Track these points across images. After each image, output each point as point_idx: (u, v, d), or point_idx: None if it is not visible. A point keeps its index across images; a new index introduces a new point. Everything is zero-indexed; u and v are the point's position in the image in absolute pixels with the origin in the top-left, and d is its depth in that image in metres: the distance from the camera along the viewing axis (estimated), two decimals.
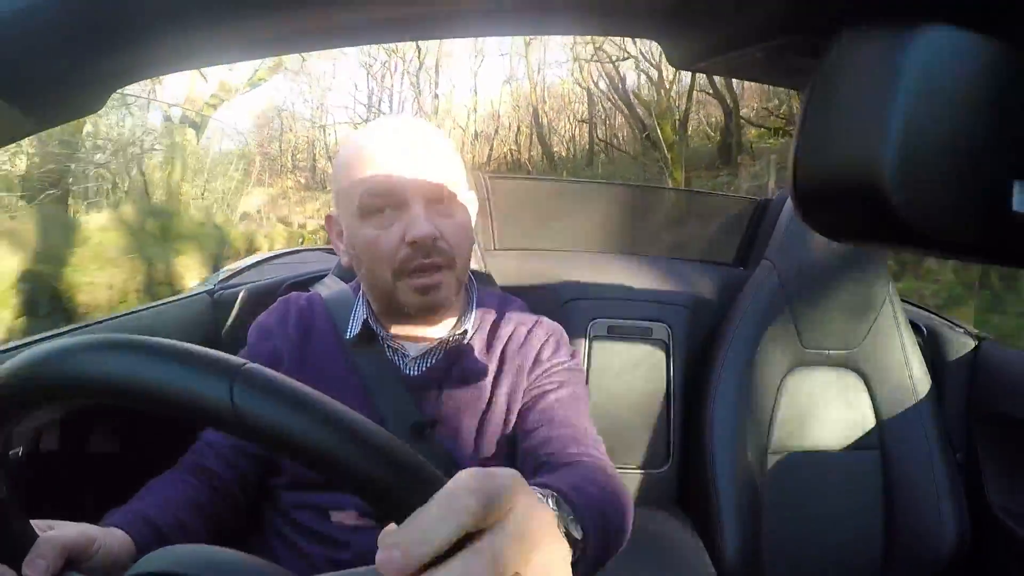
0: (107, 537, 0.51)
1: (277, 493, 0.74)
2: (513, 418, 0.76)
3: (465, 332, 0.77)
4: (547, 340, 0.80)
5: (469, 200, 0.77)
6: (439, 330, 0.78)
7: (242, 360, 0.31)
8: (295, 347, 0.77)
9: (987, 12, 0.24)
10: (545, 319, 0.84)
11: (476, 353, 0.78)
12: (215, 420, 0.30)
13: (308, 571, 0.71)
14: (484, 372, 0.77)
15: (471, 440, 0.74)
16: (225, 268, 1.42)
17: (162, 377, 0.30)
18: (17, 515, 0.42)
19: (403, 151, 0.69)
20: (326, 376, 0.75)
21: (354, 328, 0.76)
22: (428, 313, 0.74)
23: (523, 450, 0.73)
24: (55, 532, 0.46)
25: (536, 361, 0.78)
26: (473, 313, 0.79)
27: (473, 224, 0.81)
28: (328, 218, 0.78)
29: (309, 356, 0.77)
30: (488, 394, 0.76)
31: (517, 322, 0.81)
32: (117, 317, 1.02)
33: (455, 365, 0.77)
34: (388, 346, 0.77)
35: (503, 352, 0.78)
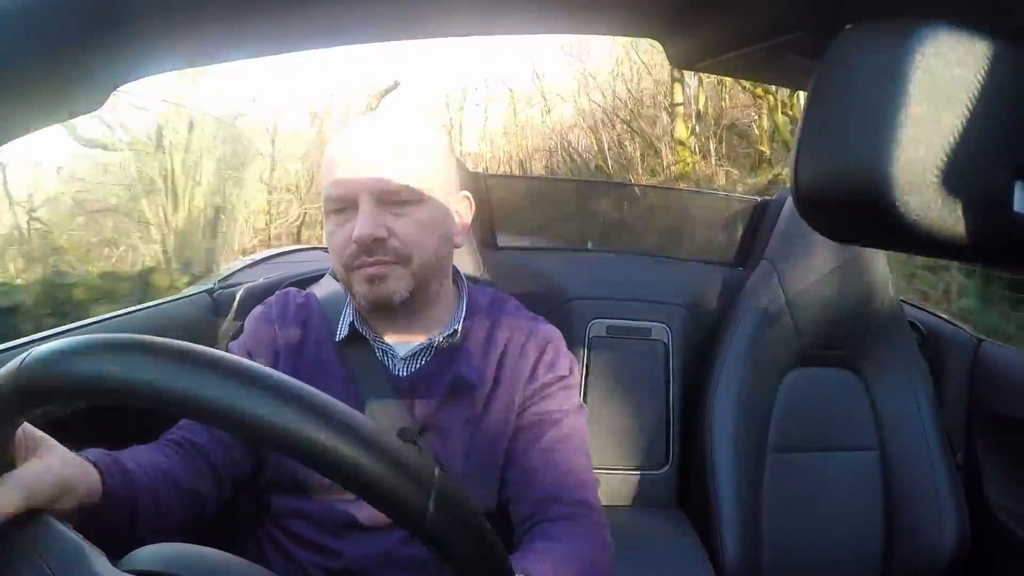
0: (78, 487, 0.48)
1: (270, 498, 0.73)
2: (508, 431, 0.74)
3: (455, 332, 0.75)
4: (545, 348, 0.78)
5: (448, 197, 0.75)
6: (427, 330, 0.77)
7: (432, 465, 0.34)
8: (291, 343, 0.77)
9: (988, 12, 0.24)
10: (543, 323, 0.82)
11: (471, 358, 0.76)
12: (401, 520, 0.33)
13: None
14: (479, 379, 0.75)
15: (461, 449, 0.73)
16: (224, 268, 1.42)
17: (362, 463, 0.32)
18: None
19: (358, 151, 0.70)
20: (319, 376, 0.74)
21: (343, 330, 0.76)
22: (380, 308, 0.72)
23: (517, 488, 0.73)
24: (30, 472, 0.43)
25: (533, 374, 0.76)
26: (463, 313, 0.78)
27: (468, 221, 0.79)
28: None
29: (304, 354, 0.76)
30: (482, 403, 0.74)
31: (514, 327, 0.79)
32: (117, 316, 1.02)
33: (447, 369, 0.75)
34: (377, 347, 0.76)
35: (500, 360, 0.76)
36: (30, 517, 0.41)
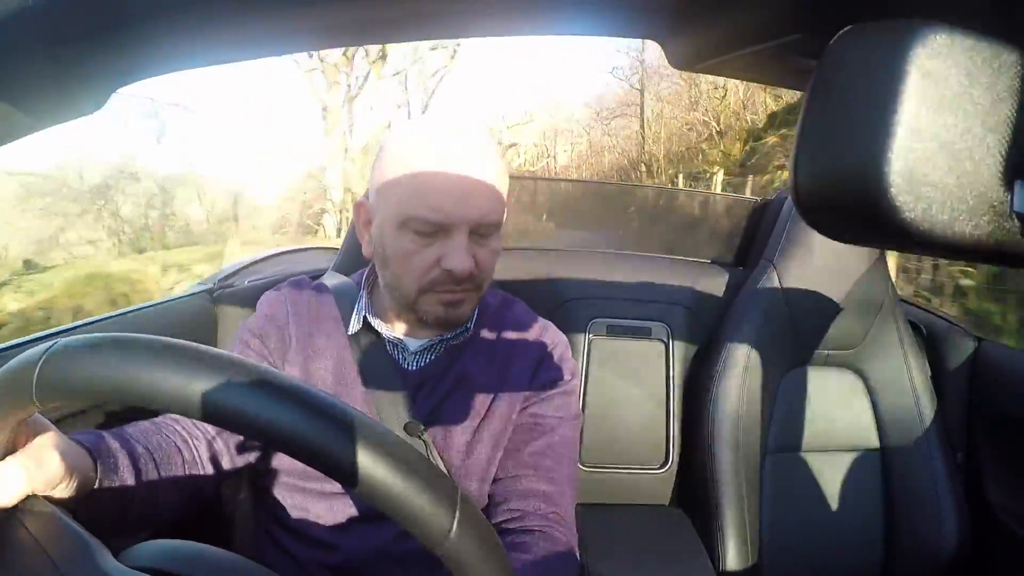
0: (75, 473, 0.48)
1: (268, 494, 0.74)
2: (508, 429, 0.76)
3: (468, 330, 0.77)
4: (551, 352, 0.79)
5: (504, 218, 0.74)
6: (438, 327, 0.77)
7: (453, 483, 0.35)
8: (303, 332, 0.76)
9: (987, 12, 0.24)
10: (551, 327, 0.83)
11: (478, 357, 0.77)
12: (422, 536, 0.33)
13: (297, 573, 0.71)
14: (485, 377, 0.76)
15: (464, 445, 0.74)
16: (225, 267, 1.42)
17: (389, 481, 0.33)
18: None
19: (457, 177, 0.66)
20: (329, 367, 0.74)
21: (356, 323, 0.76)
22: (446, 326, 0.74)
23: (498, 489, 0.74)
24: (32, 456, 0.43)
25: (535, 376, 0.77)
26: (476, 313, 0.79)
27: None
28: (359, 205, 0.74)
29: (315, 344, 0.76)
30: (488, 402, 0.75)
31: (522, 329, 0.80)
32: (117, 316, 1.02)
33: (455, 365, 0.76)
34: (388, 341, 0.76)
35: (506, 360, 0.78)
36: (34, 508, 0.42)
